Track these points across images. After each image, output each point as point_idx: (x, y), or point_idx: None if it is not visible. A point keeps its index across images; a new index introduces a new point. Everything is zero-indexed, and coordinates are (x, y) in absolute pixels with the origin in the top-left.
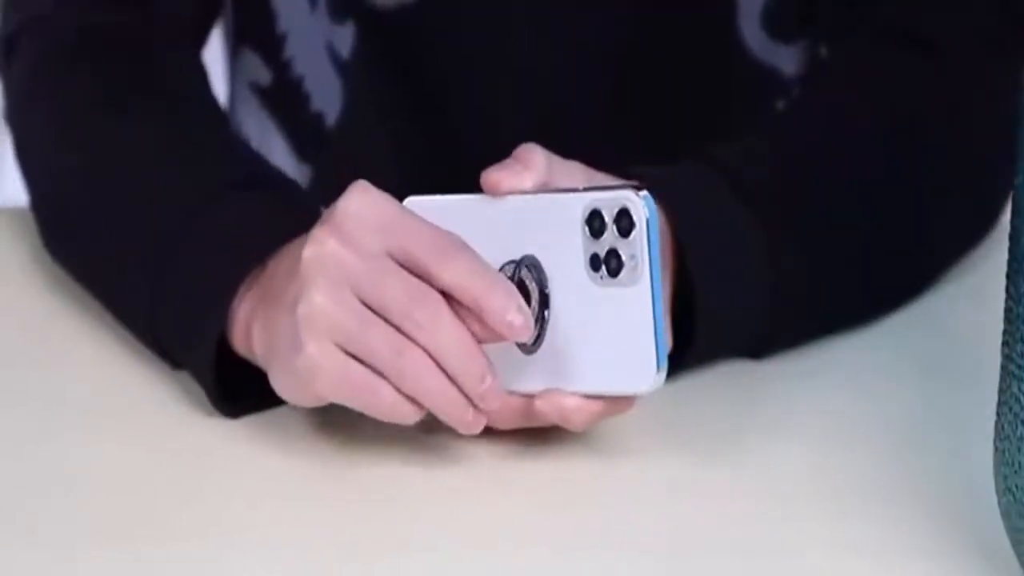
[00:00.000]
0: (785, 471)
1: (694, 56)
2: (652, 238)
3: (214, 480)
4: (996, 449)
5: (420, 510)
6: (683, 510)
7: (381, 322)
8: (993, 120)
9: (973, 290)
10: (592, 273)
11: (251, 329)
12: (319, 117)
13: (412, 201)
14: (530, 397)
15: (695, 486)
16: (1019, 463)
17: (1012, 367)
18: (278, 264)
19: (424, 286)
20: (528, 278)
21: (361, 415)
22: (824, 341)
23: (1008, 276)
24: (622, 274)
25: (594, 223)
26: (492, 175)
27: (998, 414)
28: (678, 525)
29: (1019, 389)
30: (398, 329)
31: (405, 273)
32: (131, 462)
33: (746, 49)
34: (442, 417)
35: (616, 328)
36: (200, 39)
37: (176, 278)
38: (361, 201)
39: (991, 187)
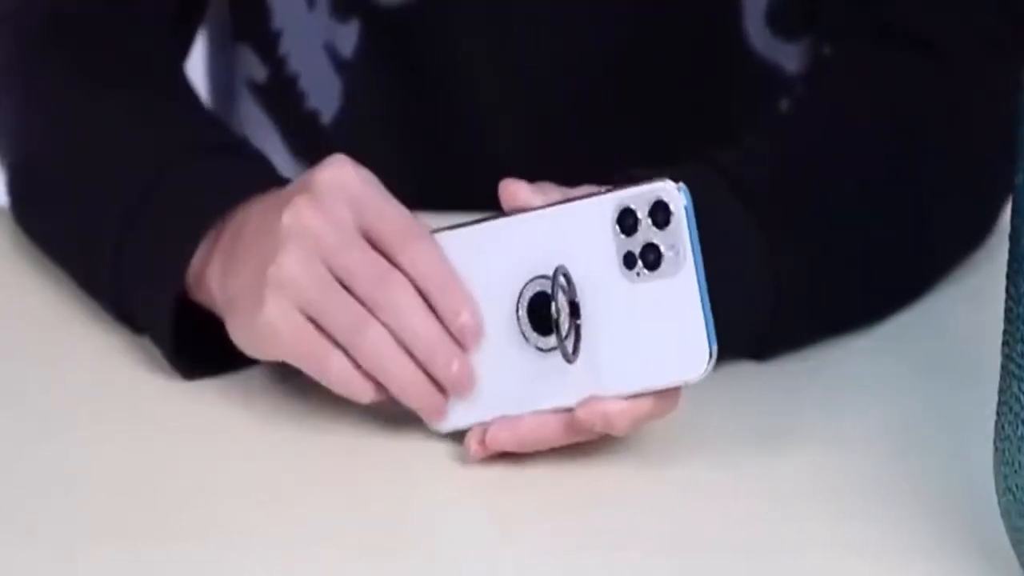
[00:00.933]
0: (786, 471)
1: (697, 54)
2: (691, 224)
3: (214, 479)
4: (996, 449)
5: (419, 510)
6: (683, 510)
7: (345, 294)
8: (993, 120)
9: (973, 290)
10: (627, 271)
11: (211, 278)
12: (314, 115)
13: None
14: (569, 411)
15: (695, 486)
16: (1019, 463)
17: (1012, 367)
18: (244, 221)
19: (388, 266)
20: (551, 291)
21: (365, 416)
22: (823, 342)
23: (1008, 276)
24: (662, 266)
25: (626, 221)
26: (511, 184)
27: (998, 414)
28: (678, 525)
29: (1019, 389)
30: (364, 305)
31: (372, 252)
32: (130, 462)
33: (750, 47)
34: (405, 401)
35: (660, 320)
36: (184, 37)
37: (137, 238)
38: (340, 172)
39: (991, 187)
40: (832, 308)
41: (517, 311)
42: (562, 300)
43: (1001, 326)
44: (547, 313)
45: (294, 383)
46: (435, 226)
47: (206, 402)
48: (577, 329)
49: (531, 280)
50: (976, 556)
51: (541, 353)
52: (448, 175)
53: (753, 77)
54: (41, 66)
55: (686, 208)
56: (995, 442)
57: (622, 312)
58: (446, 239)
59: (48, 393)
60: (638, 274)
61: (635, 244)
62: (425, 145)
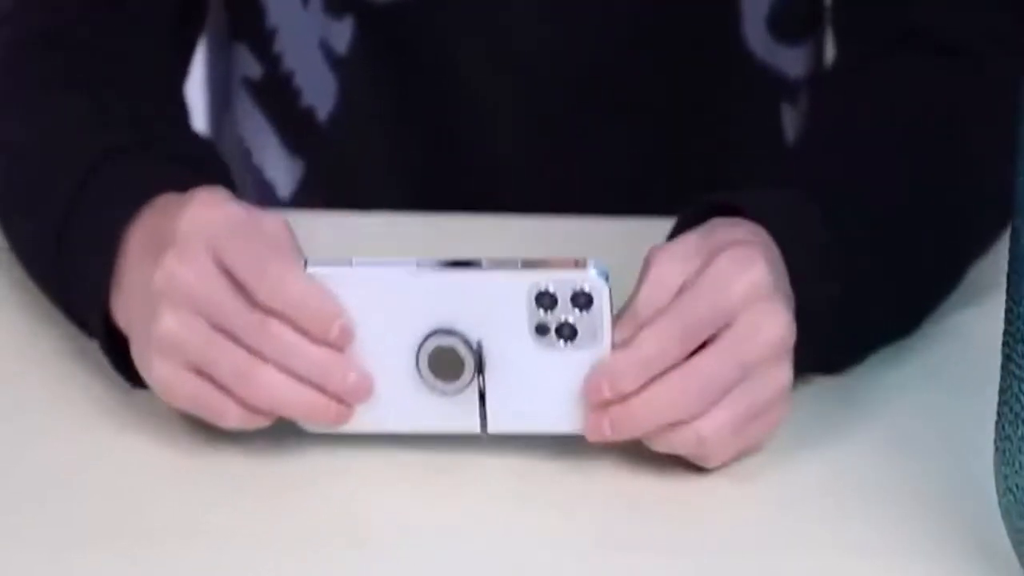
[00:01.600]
0: (785, 471)
1: (695, 57)
2: (610, 305)
3: (208, 482)
4: (996, 449)
5: (420, 509)
6: (684, 510)
7: (227, 343)
8: (1012, 114)
9: (973, 291)
10: (539, 338)
11: (116, 310)
12: (310, 112)
13: (322, 271)
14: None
15: (695, 487)
16: (1019, 463)
17: (1012, 367)
18: (132, 251)
19: (248, 307)
20: (453, 342)
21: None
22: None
23: (1008, 276)
24: (577, 340)
25: (543, 300)
26: None
27: (998, 414)
28: (679, 525)
29: (1019, 389)
30: (247, 347)
31: (233, 293)
32: (128, 463)
33: (749, 51)
34: (310, 424)
35: (567, 377)
36: (184, 43)
37: (67, 253)
38: (194, 217)
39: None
40: (893, 312)
41: (417, 361)
42: (465, 351)
43: (1001, 326)
44: (449, 361)
45: None
46: (424, 222)
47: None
48: (480, 377)
49: (433, 333)
50: (976, 556)
51: (441, 394)
52: (443, 173)
53: (752, 80)
54: (12, 73)
55: (608, 294)
56: (995, 442)
57: (528, 368)
58: (356, 274)
59: (46, 393)
60: (549, 343)
61: (551, 320)
62: (420, 142)
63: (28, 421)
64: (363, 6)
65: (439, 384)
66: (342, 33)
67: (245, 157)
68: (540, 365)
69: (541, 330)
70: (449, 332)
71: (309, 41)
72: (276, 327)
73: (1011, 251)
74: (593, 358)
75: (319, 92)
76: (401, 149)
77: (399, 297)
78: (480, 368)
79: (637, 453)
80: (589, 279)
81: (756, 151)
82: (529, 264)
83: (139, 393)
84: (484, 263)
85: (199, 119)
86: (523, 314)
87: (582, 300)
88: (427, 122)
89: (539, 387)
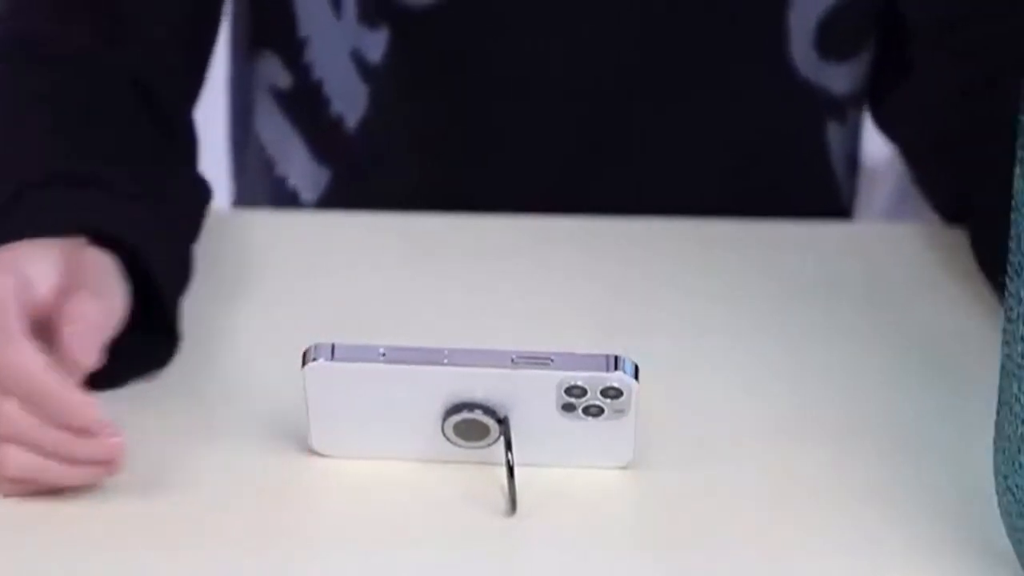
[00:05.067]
0: (785, 471)
1: (740, 76)
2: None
3: (209, 481)
4: (996, 449)
5: (419, 510)
6: (684, 510)
7: None
8: None
9: (973, 290)
10: (565, 413)
11: None
12: (339, 120)
13: (345, 367)
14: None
15: (695, 487)
16: (1019, 463)
17: (1012, 367)
18: None
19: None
20: (479, 415)
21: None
22: (824, 342)
23: (1008, 276)
24: (603, 418)
25: (573, 391)
26: None
27: (998, 414)
28: (679, 525)
29: (1019, 389)
30: None
31: None
32: (125, 464)
33: (794, 70)
34: (77, 480)
35: (590, 439)
36: (191, 62)
37: None
38: None
39: None
40: None
41: (443, 428)
42: (491, 422)
43: (1001, 326)
44: (476, 428)
45: (294, 384)
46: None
47: (202, 404)
48: (510, 455)
49: (459, 406)
50: (976, 556)
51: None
52: (472, 181)
53: (797, 98)
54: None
55: (638, 389)
56: (995, 442)
57: (551, 434)
58: (382, 369)
59: None
60: (575, 416)
61: (579, 403)
62: (450, 149)
63: None
64: (399, 15)
65: (464, 443)
66: (376, 42)
67: (267, 167)
68: (563, 430)
69: (568, 408)
70: (474, 406)
71: (341, 51)
72: (10, 408)
73: (1011, 251)
74: (616, 427)
75: (349, 101)
76: (430, 157)
77: (425, 381)
78: (508, 445)
79: (637, 453)
80: (620, 379)
81: (801, 169)
82: (561, 362)
83: (138, 393)
84: (515, 358)
85: (220, 124)
86: (551, 398)
87: (612, 393)
88: (458, 130)
89: (562, 450)
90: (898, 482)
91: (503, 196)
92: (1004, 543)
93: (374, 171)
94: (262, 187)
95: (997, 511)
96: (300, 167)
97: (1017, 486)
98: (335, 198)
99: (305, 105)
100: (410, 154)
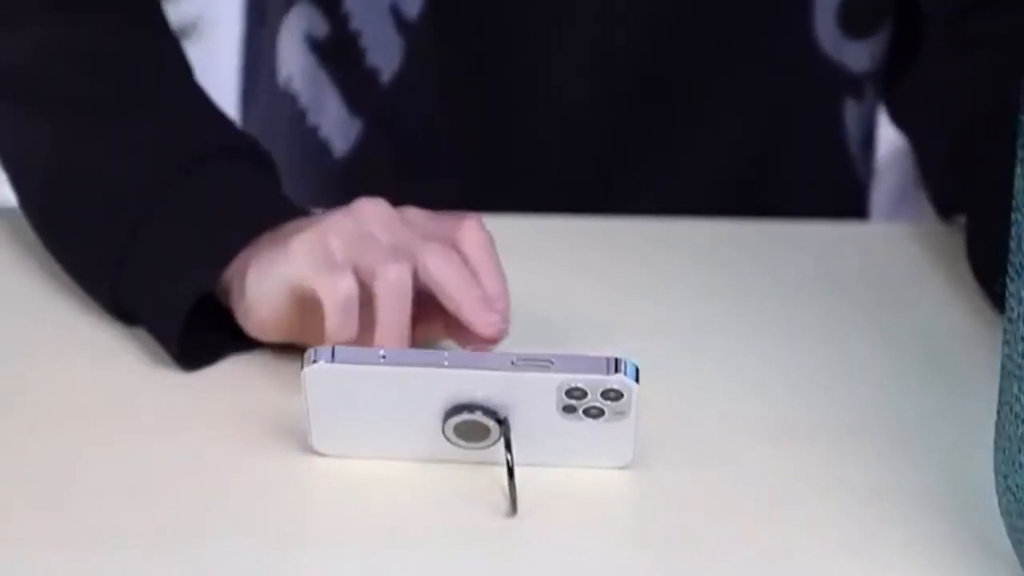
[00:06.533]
0: (785, 471)
1: (764, 51)
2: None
3: (209, 481)
4: (996, 449)
5: (419, 510)
6: (684, 510)
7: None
8: None
9: (972, 290)
10: (565, 414)
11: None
12: (374, 72)
13: (346, 369)
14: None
15: (695, 486)
16: (1019, 463)
17: (1012, 367)
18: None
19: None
20: (479, 416)
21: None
22: (824, 342)
23: (1008, 276)
24: (603, 419)
25: (574, 393)
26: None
27: (998, 414)
28: (678, 525)
29: (1019, 389)
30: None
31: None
32: (126, 463)
33: (816, 46)
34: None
35: (590, 439)
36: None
37: (158, 229)
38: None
39: None
40: None
41: (443, 428)
42: (491, 423)
43: (1001, 326)
44: (476, 429)
45: (294, 384)
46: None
47: (201, 404)
48: (510, 456)
49: (459, 407)
50: (976, 556)
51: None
52: (499, 141)
53: (818, 75)
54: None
55: (638, 391)
56: (995, 442)
57: (551, 435)
58: (382, 372)
59: (45, 393)
60: (575, 418)
61: (579, 404)
62: (480, 109)
63: (28, 417)
64: None
65: (464, 443)
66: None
67: (298, 117)
68: (563, 431)
69: (568, 409)
70: (475, 407)
71: (380, 3)
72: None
73: (1011, 251)
74: (617, 428)
75: (384, 54)
76: (460, 115)
77: (425, 384)
78: (508, 446)
79: (637, 453)
80: (621, 381)
81: (817, 147)
82: (561, 365)
83: (138, 392)
84: (515, 360)
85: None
86: (551, 400)
87: (613, 395)
88: (489, 86)
89: (562, 450)
90: (898, 482)
91: (527, 163)
92: (1004, 543)
93: (404, 126)
94: (289, 137)
95: (997, 511)
96: (333, 118)
97: (1017, 486)
98: (366, 151)
99: (341, 56)
100: (440, 112)
